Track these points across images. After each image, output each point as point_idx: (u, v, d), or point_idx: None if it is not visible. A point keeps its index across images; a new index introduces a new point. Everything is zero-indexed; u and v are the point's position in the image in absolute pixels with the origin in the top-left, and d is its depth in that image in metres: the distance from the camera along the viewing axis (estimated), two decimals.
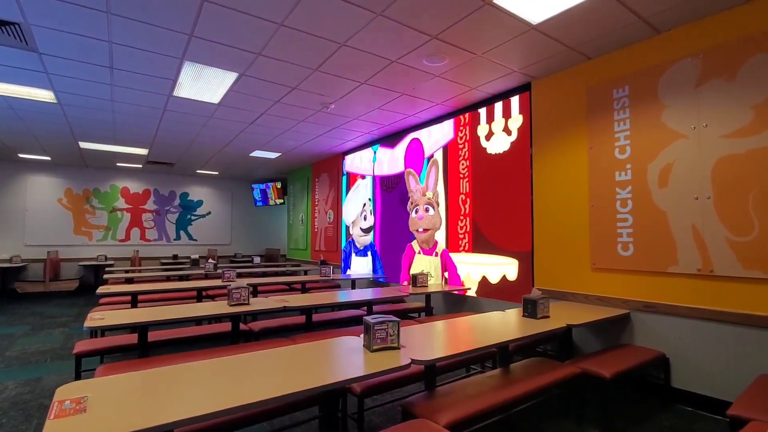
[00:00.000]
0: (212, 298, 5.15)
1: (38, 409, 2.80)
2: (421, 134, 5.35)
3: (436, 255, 5.16)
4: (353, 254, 6.81)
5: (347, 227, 6.99)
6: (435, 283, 4.93)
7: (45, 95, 4.37)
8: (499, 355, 2.73)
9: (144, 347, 2.88)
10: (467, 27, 2.97)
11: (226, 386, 1.51)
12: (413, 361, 1.84)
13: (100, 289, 4.12)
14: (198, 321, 4.33)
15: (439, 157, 5.04)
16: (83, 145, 6.65)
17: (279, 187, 9.90)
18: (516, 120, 4.12)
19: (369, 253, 6.40)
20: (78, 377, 2.97)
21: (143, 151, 7.13)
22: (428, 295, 4.52)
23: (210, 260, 6.32)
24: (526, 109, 4.03)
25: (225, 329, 3.48)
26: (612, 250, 3.29)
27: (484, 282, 4.36)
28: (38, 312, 6.19)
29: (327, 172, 7.78)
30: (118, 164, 8.38)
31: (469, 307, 4.56)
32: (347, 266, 6.97)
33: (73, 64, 3.58)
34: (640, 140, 3.14)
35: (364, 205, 6.51)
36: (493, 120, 4.37)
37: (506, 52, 3.36)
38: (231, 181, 10.57)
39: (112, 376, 1.62)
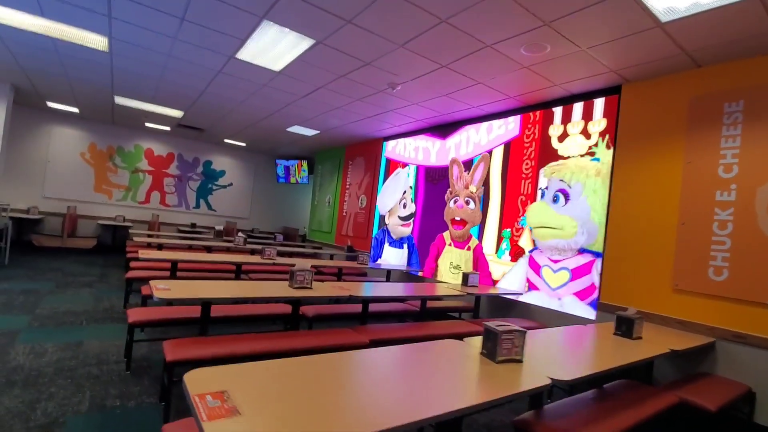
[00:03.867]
0: (247, 273, 4.95)
1: (87, 378, 2.60)
2: (480, 127, 5.11)
3: (469, 249, 5.02)
4: (386, 244, 6.60)
5: (382, 216, 6.76)
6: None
7: (98, 42, 4.10)
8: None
9: (206, 323, 2.67)
10: (588, 16, 2.72)
11: (358, 395, 1.31)
12: (554, 381, 1.64)
13: (142, 253, 3.89)
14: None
15: (498, 153, 4.81)
16: (118, 100, 6.37)
17: (305, 166, 9.65)
18: (598, 123, 3.88)
19: (405, 245, 6.18)
20: (130, 347, 2.77)
21: (178, 114, 6.86)
22: (478, 297, 4.32)
23: (239, 234, 6.10)
24: (611, 113, 3.80)
25: (278, 311, 3.28)
26: (701, 273, 3.09)
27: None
28: (58, 268, 5.98)
29: (363, 155, 7.52)
30: (146, 124, 8.09)
31: (518, 313, 4.38)
32: (378, 255, 6.77)
33: (142, 9, 3.31)
34: (752, 160, 2.92)
35: (405, 192, 6.28)
36: (569, 121, 4.13)
37: (614, 48, 3.11)
38: (256, 154, 10.29)
39: (240, 366, 1.40)
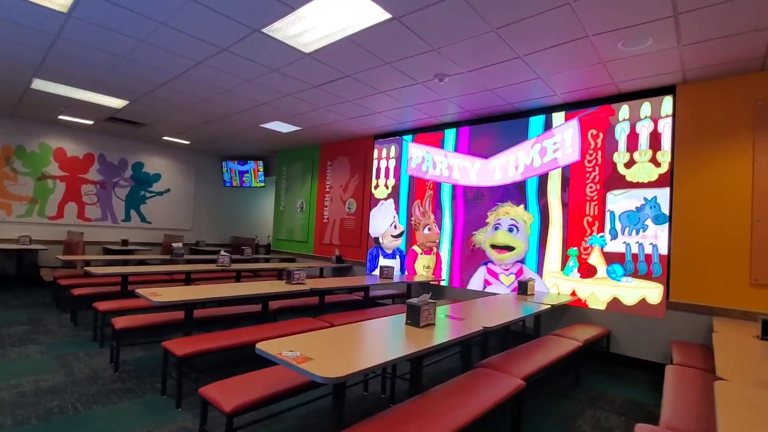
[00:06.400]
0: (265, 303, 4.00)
1: None
2: (531, 150, 4.72)
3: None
4: (381, 256, 6.10)
5: (375, 237, 6.35)
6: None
7: None
8: None
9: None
10: (721, 9, 2.58)
11: None
12: None
13: (151, 294, 2.83)
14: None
15: (555, 175, 4.53)
16: (37, 84, 4.74)
17: (261, 168, 8.52)
18: (665, 153, 3.81)
19: (397, 256, 6.01)
20: None
21: (119, 104, 5.38)
22: (538, 315, 4.06)
23: (222, 253, 4.99)
24: (657, 112, 3.85)
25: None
26: None
27: (615, 303, 4.03)
28: None
29: (346, 155, 6.80)
30: (61, 117, 6.27)
31: (572, 319, 4.24)
32: (374, 266, 6.18)
33: None
34: None
35: (394, 218, 6.11)
36: (636, 149, 3.99)
37: (706, 48, 3.05)
38: (199, 154, 8.76)
39: None
